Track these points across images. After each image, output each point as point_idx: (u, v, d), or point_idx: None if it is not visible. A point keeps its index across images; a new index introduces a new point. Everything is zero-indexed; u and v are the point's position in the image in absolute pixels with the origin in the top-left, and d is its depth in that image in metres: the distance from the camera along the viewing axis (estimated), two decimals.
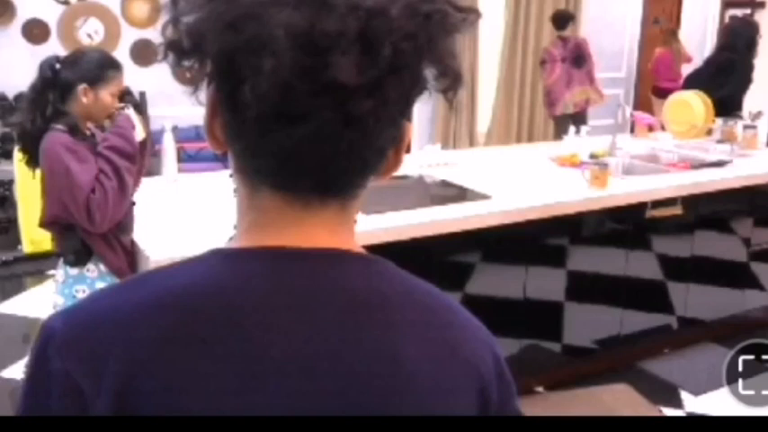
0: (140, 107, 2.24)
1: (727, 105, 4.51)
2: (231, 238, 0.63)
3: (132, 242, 2.27)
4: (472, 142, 6.88)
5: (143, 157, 2.29)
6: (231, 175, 0.62)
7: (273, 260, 0.59)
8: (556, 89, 5.99)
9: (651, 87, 7.54)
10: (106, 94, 2.10)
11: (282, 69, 0.53)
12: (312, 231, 0.60)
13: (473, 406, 0.63)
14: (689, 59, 7.28)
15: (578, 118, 6.17)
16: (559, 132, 6.22)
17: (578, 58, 6.03)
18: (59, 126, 2.07)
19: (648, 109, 6.92)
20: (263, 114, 0.55)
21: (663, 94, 6.75)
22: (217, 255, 0.60)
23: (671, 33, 7.72)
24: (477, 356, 0.64)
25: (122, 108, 2.16)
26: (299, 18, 0.52)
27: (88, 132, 2.16)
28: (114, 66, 2.14)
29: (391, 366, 0.58)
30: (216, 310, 0.56)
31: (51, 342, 0.56)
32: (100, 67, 2.11)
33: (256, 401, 0.54)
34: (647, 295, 3.38)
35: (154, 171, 3.22)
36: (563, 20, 6.02)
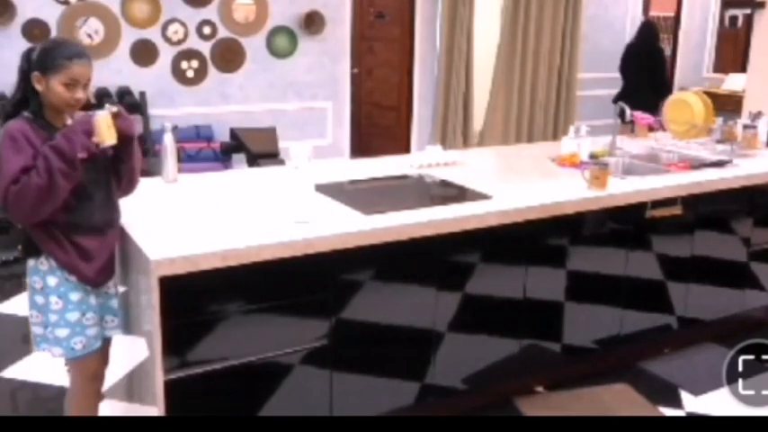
0: (140, 107, 2.22)
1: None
2: None
3: (130, 240, 2.26)
4: (468, 143, 6.87)
5: (130, 159, 2.25)
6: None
7: None
8: None
9: None
10: (56, 83, 2.07)
11: None
12: None
13: None
14: None
15: None
16: None
17: None
18: (26, 114, 2.10)
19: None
20: None
21: None
22: None
23: None
24: None
25: (102, 108, 2.11)
26: None
27: (61, 125, 2.13)
28: (66, 56, 2.08)
29: None
30: None
31: None
32: (50, 56, 2.09)
33: None
34: (647, 295, 3.38)
35: (154, 171, 3.22)
36: None
